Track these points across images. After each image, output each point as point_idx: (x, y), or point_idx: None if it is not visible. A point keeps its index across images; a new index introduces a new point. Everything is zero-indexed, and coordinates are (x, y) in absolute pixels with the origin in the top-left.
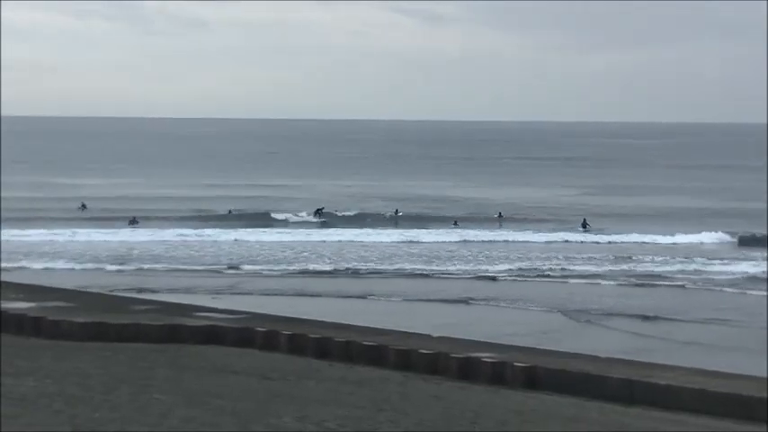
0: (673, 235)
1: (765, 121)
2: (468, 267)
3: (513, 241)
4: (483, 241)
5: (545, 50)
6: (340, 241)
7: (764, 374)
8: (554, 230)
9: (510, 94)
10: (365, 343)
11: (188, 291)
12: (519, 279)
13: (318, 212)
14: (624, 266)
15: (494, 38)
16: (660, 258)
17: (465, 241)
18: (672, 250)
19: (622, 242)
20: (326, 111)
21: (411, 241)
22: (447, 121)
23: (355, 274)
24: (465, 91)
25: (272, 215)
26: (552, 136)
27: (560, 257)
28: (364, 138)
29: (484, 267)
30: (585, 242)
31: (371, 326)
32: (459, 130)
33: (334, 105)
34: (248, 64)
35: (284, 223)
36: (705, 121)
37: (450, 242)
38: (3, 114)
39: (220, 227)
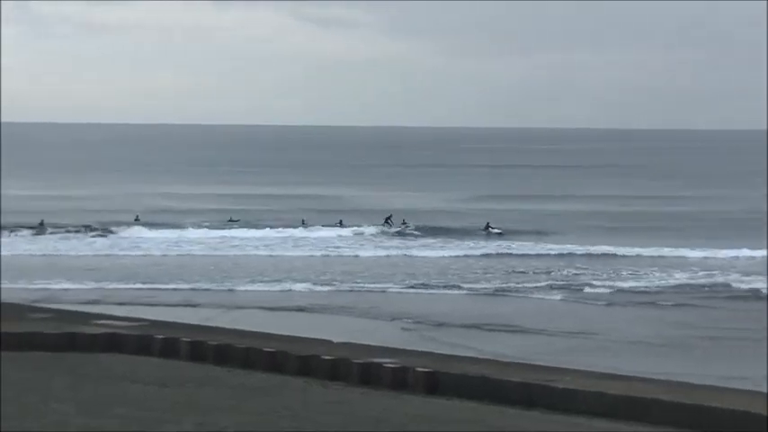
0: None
1: (678, 127)
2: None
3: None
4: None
5: (451, 55)
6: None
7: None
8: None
9: (416, 98)
10: (265, 349)
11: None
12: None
13: (388, 222)
14: (501, 279)
15: (398, 42)
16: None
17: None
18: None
19: (522, 253)
20: (227, 115)
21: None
22: (352, 126)
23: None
24: (370, 96)
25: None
26: (464, 141)
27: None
28: (266, 143)
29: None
30: (492, 254)
31: (272, 332)
32: (366, 134)
33: (233, 109)
34: (147, 68)
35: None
36: (609, 127)
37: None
38: None
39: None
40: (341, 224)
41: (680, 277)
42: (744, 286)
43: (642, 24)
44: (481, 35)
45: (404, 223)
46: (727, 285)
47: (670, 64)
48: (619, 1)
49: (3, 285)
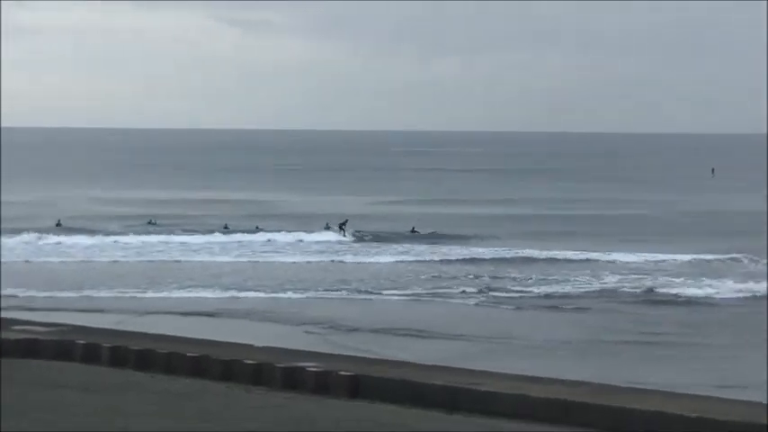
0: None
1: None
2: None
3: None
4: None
5: (370, 58)
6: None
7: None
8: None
9: (336, 101)
10: (188, 354)
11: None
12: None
13: (342, 228)
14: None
15: (320, 45)
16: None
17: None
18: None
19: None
20: (151, 120)
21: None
22: (276, 130)
23: None
24: (293, 99)
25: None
26: (388, 144)
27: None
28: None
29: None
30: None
31: (194, 337)
32: (289, 138)
33: (158, 113)
34: (70, 71)
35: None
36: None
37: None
38: None
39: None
40: (257, 229)
41: (608, 281)
42: (667, 291)
43: (577, 27)
44: (400, 38)
45: (328, 227)
46: (651, 290)
47: (608, 66)
48: (549, 1)
49: None
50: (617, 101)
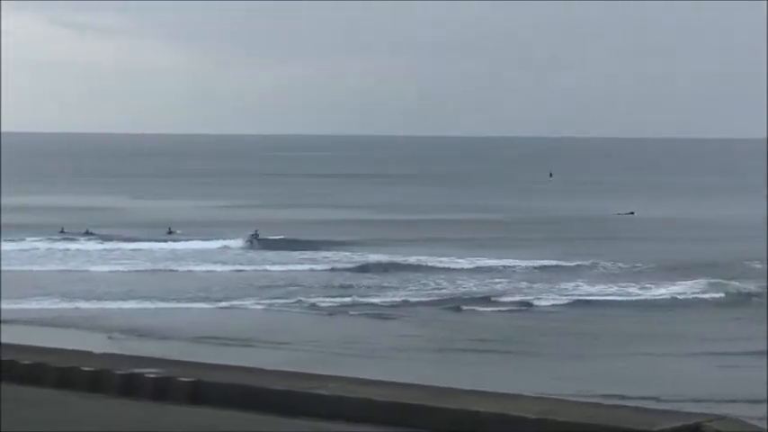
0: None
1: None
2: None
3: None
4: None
5: (212, 63)
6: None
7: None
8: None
9: (173, 106)
10: (23, 362)
11: None
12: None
13: (254, 238)
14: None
15: (159, 50)
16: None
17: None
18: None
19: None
20: None
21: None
22: (111, 133)
23: None
24: (127, 103)
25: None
26: (235, 148)
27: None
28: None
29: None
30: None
31: (32, 344)
32: (122, 142)
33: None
34: None
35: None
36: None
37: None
38: None
39: None
40: (87, 233)
41: (458, 286)
42: (511, 298)
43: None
44: (240, 43)
45: (170, 232)
46: (490, 298)
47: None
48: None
49: None
50: (460, 104)
